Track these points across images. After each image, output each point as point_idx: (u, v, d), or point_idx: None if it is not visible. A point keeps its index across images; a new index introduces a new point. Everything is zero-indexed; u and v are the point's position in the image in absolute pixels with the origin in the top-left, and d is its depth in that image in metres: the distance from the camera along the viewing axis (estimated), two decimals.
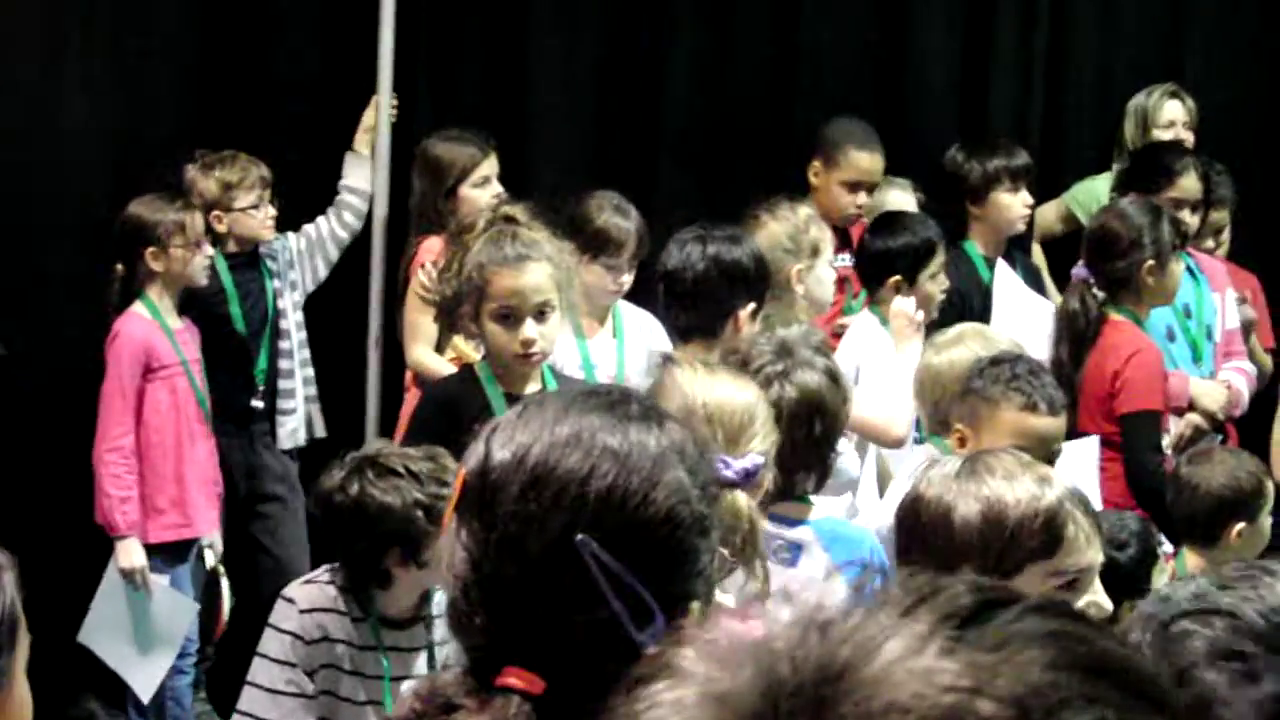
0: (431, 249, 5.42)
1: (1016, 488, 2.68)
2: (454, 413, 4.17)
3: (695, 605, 1.74)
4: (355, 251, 5.96)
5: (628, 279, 5.31)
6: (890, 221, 5.57)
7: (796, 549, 3.70)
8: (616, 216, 5.28)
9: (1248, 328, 6.18)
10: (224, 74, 6.05)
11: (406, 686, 3.24)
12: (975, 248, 6.07)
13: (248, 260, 5.79)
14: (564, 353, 5.14)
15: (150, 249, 5.39)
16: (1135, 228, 5.37)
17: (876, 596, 0.94)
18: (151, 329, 5.45)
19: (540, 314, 4.17)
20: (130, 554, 5.35)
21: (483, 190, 5.63)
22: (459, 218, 5.15)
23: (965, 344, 4.52)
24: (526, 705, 1.65)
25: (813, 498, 3.78)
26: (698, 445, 1.81)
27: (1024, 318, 5.60)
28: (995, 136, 6.32)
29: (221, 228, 5.67)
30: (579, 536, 1.67)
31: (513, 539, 1.69)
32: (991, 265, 6.02)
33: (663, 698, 0.93)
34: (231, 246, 5.75)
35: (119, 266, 5.46)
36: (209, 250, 5.52)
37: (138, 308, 5.46)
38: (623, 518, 1.70)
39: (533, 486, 1.70)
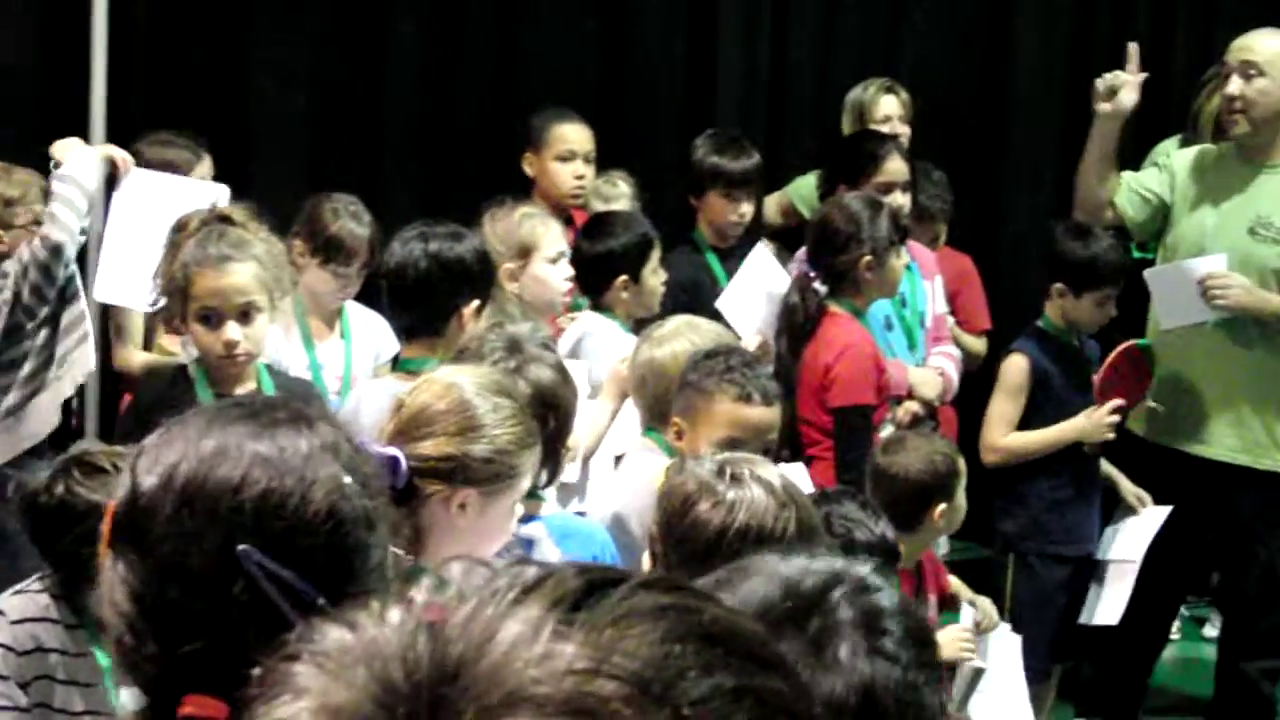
0: None
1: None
2: (164, 414, 4.11)
3: (375, 604, 1.74)
4: None
5: (356, 287, 5.29)
6: (604, 223, 5.59)
7: (529, 544, 3.72)
8: (351, 223, 5.25)
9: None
10: None
11: None
12: (705, 237, 6.15)
13: None
14: (291, 355, 5.12)
15: None
16: (854, 222, 5.42)
17: (483, 588, 0.93)
18: None
19: (244, 315, 4.13)
20: None
21: None
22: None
23: (682, 337, 4.57)
24: None
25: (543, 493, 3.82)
26: (353, 442, 1.81)
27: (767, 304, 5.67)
28: (726, 134, 6.36)
29: (2, 246, 5.27)
30: (240, 547, 1.64)
31: (172, 562, 1.66)
32: (721, 255, 6.09)
33: (277, 715, 0.91)
34: None
35: None
36: None
37: None
38: (282, 522, 1.68)
39: (185, 505, 1.67)
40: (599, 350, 5.11)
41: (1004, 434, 5.83)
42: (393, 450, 3.04)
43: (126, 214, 5.03)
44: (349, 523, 1.72)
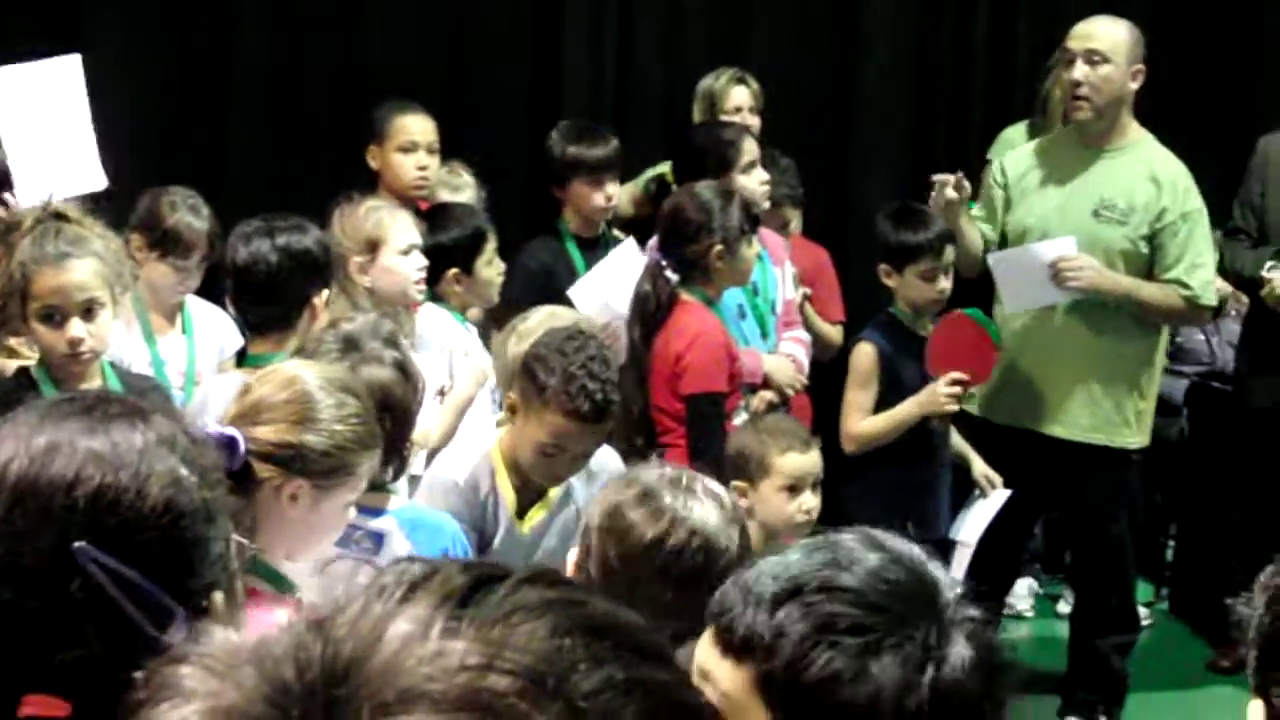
0: None
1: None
2: (5, 414, 4.05)
3: (218, 595, 1.71)
4: None
5: (196, 280, 5.24)
6: (438, 215, 5.60)
7: (379, 538, 3.72)
8: (189, 216, 5.21)
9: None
10: None
11: None
12: (568, 227, 6.16)
13: None
14: (133, 351, 5.05)
15: None
16: (706, 211, 5.45)
17: (369, 586, 0.93)
18: None
19: (88, 312, 4.07)
20: None
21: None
22: (4, 218, 4.95)
23: (545, 328, 4.55)
24: None
25: (392, 486, 3.80)
26: (190, 435, 1.79)
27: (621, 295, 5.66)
28: (580, 124, 6.38)
29: None
30: (76, 545, 1.62)
31: (5, 562, 1.64)
32: (584, 244, 6.11)
33: (166, 719, 0.90)
34: None
35: None
36: None
37: None
38: (118, 518, 1.65)
39: (17, 504, 1.65)
40: (434, 341, 5.13)
41: (859, 421, 5.87)
42: (232, 431, 3.03)
43: (10, 118, 4.87)
44: (187, 516, 1.70)
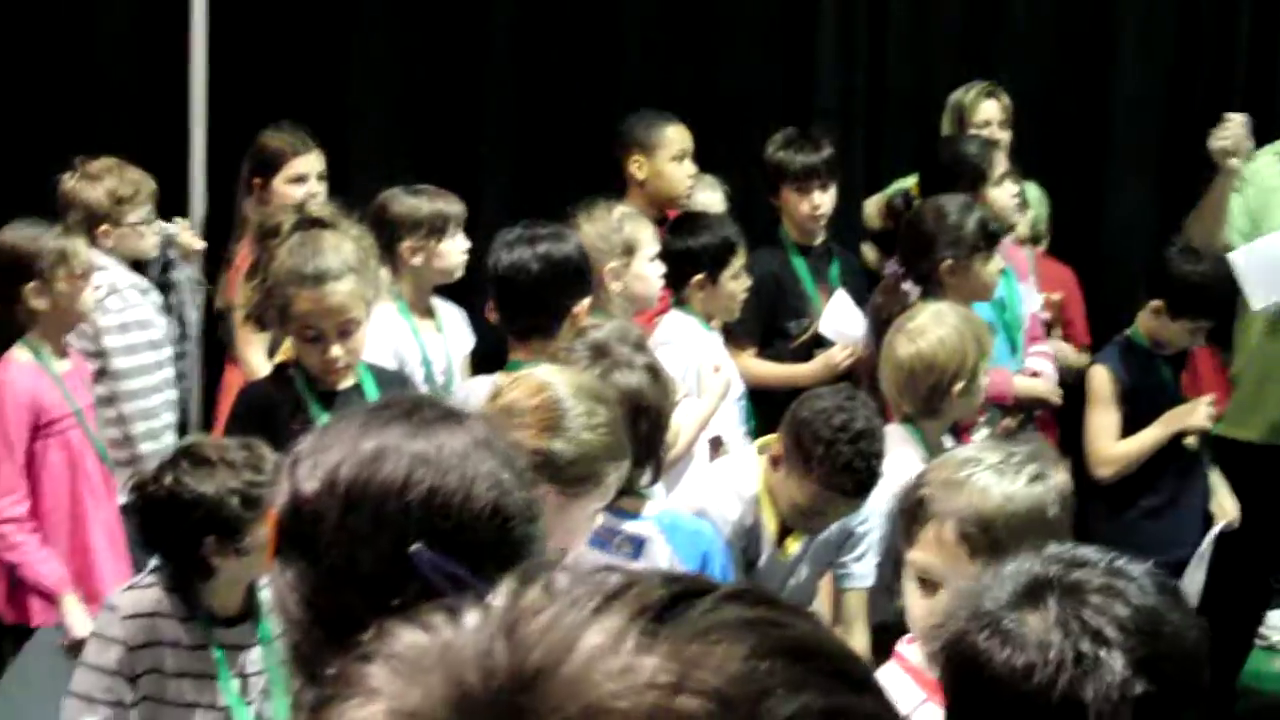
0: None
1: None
2: (269, 413, 4.15)
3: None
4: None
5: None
6: (690, 222, 5.62)
7: (639, 542, 3.73)
8: (437, 199, 5.26)
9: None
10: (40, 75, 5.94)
11: None
12: (788, 234, 6.13)
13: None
14: (405, 346, 5.09)
15: (31, 284, 4.74)
16: (937, 225, 5.42)
17: (563, 593, 0.89)
18: (38, 377, 4.78)
19: (344, 333, 4.13)
20: (75, 615, 4.64)
21: (295, 187, 5.54)
22: (265, 214, 5.07)
23: (938, 324, 4.63)
24: None
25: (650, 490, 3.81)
26: (501, 437, 1.79)
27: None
28: (797, 131, 6.29)
29: (108, 243, 5.21)
30: (413, 547, 1.61)
31: (344, 566, 1.64)
32: (803, 251, 6.09)
33: (350, 717, 0.88)
34: None
35: None
36: (98, 281, 4.95)
37: (17, 353, 4.80)
38: (449, 520, 1.66)
39: (352, 509, 1.65)
40: (677, 346, 5.14)
41: (1109, 445, 5.75)
42: None
43: None
44: (514, 517, 1.71)
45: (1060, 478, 2.85)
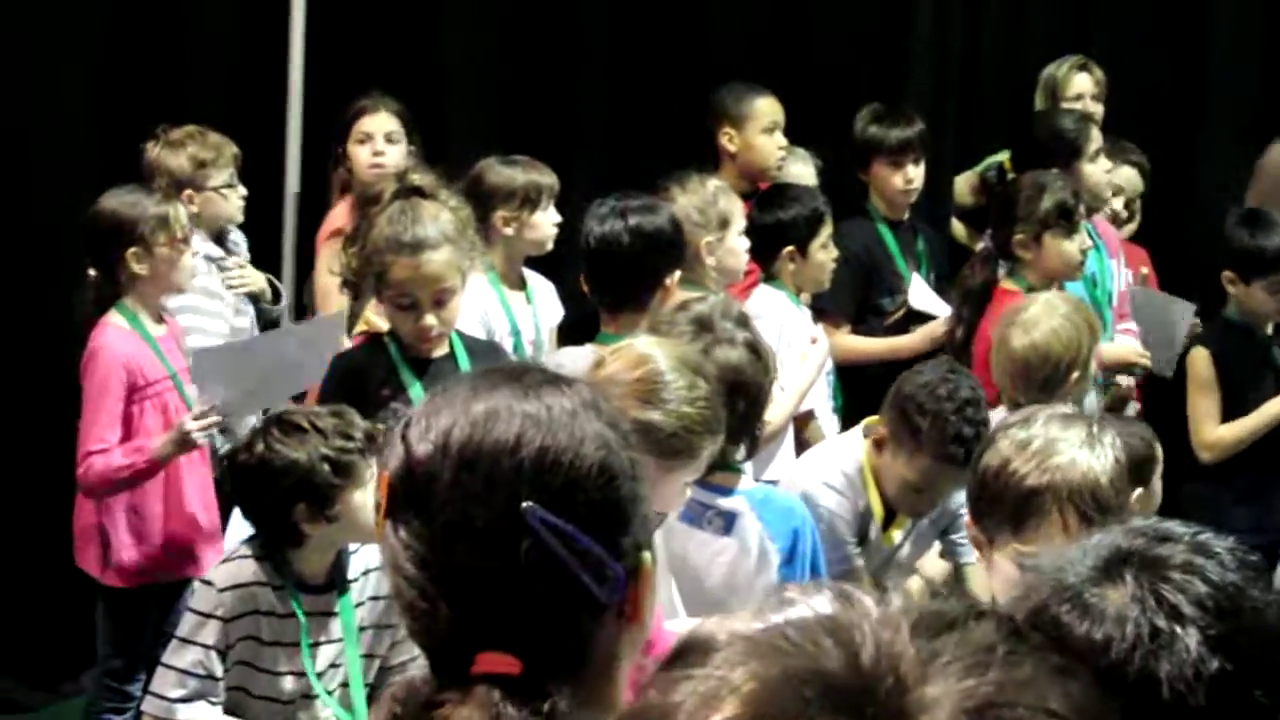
0: (335, 219, 5.42)
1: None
2: (361, 381, 4.21)
3: (646, 555, 1.74)
4: (266, 223, 5.88)
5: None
6: (778, 194, 5.63)
7: (730, 517, 3.74)
8: (531, 170, 5.29)
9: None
10: (133, 50, 5.99)
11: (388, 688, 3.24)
12: (877, 209, 6.12)
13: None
14: (495, 317, 5.13)
15: (132, 249, 4.73)
16: (1017, 200, 5.43)
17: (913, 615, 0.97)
18: (134, 341, 4.78)
19: (439, 302, 4.17)
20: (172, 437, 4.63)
21: (362, 148, 5.60)
22: (356, 179, 5.09)
23: (1051, 315, 4.59)
24: (508, 687, 1.64)
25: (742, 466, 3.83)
26: (605, 398, 1.82)
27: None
28: (887, 106, 6.28)
29: (193, 208, 5.17)
30: (525, 504, 1.65)
31: (458, 524, 1.67)
32: (892, 226, 6.09)
33: (727, 677, 0.94)
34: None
35: (92, 271, 4.80)
36: (196, 247, 4.95)
37: (114, 317, 4.78)
38: (559, 478, 1.69)
39: (465, 468, 1.68)
40: (767, 320, 5.07)
41: (1213, 429, 5.71)
42: None
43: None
44: (620, 476, 1.73)
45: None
